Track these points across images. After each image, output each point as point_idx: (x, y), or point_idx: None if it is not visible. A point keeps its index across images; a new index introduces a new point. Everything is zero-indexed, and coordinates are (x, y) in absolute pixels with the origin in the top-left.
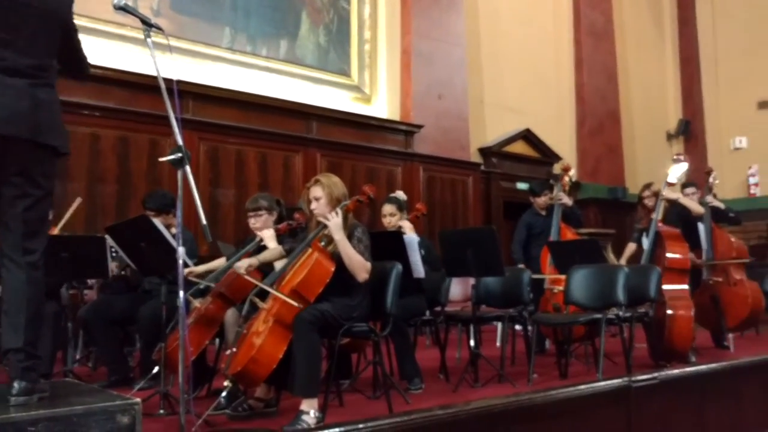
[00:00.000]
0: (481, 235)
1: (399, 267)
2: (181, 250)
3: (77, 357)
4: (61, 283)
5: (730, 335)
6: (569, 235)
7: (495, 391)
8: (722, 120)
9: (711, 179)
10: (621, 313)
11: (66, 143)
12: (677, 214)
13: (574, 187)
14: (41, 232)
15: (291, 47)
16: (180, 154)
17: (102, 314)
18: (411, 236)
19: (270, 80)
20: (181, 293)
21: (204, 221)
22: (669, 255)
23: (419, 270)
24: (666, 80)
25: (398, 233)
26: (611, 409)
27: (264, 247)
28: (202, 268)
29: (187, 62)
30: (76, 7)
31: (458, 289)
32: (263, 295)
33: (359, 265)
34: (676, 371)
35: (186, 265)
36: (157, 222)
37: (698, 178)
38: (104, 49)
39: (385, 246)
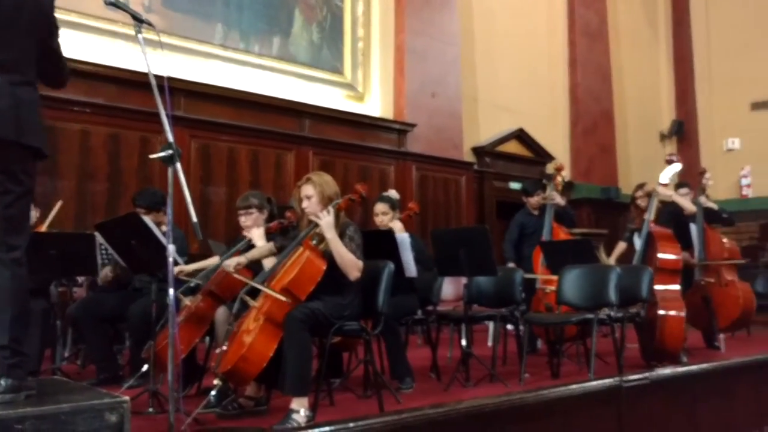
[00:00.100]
0: (473, 234)
1: (391, 266)
2: (171, 248)
3: (66, 355)
4: (50, 281)
5: (722, 336)
6: (562, 235)
7: (486, 390)
8: (715, 121)
9: (704, 180)
10: (613, 313)
11: (47, 145)
12: (670, 213)
13: (567, 187)
14: (23, 229)
15: (284, 44)
16: (170, 151)
17: (91, 312)
18: (403, 235)
19: (262, 77)
20: (171, 291)
21: (194, 219)
22: (661, 255)
23: (411, 269)
24: (660, 81)
25: (390, 232)
26: (602, 408)
27: (254, 246)
28: (192, 266)
29: (178, 59)
30: (67, 3)
31: (450, 288)
32: (254, 293)
33: (351, 264)
34: (667, 371)
35: (176, 264)
36: (148, 219)
37: (691, 179)
38: (95, 45)
39: (377, 245)
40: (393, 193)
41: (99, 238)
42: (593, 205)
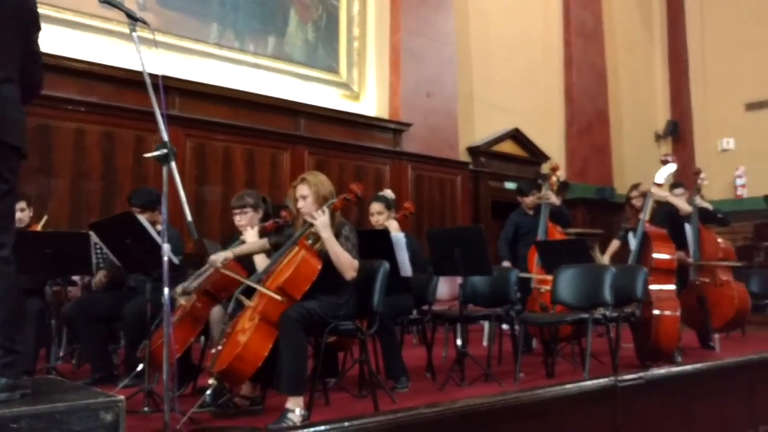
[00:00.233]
0: (468, 234)
1: (386, 265)
2: (166, 247)
3: (61, 354)
4: (45, 280)
5: (716, 336)
6: (557, 234)
7: (481, 390)
8: (710, 121)
9: (699, 180)
10: (608, 313)
11: (27, 146)
12: (665, 214)
13: (562, 187)
14: (9, 227)
15: (279, 44)
16: (165, 150)
17: (86, 311)
18: (398, 235)
19: (258, 77)
20: (166, 290)
21: (189, 218)
22: (656, 255)
23: (407, 269)
24: (655, 81)
25: (386, 232)
26: (597, 408)
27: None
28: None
29: (173, 58)
30: (62, 1)
31: (445, 287)
32: (249, 292)
33: (347, 264)
34: (662, 371)
35: (171, 262)
36: (142, 218)
37: (686, 179)
38: (89, 44)
39: (372, 244)
40: (388, 193)
41: (94, 237)
42: (588, 205)
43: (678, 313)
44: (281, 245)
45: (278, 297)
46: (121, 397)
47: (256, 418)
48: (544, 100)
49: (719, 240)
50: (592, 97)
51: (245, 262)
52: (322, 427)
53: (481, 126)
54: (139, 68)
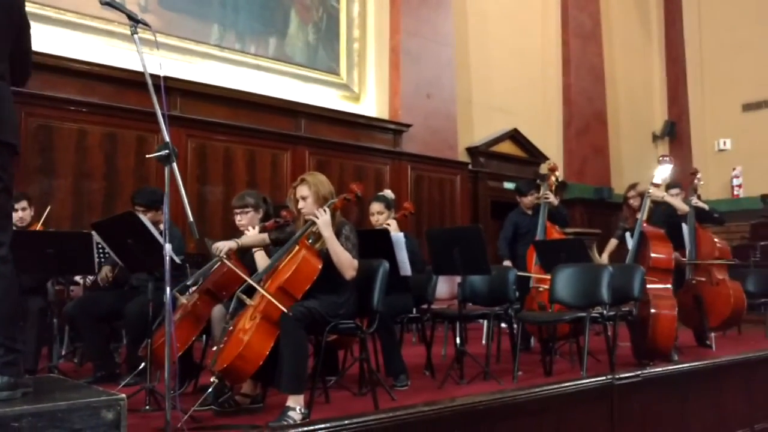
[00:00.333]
0: (467, 233)
1: (386, 265)
2: (168, 247)
3: (63, 353)
4: (47, 279)
5: (713, 334)
6: (555, 234)
7: (480, 388)
8: (707, 122)
9: (696, 180)
10: (605, 312)
11: (20, 143)
12: (662, 213)
13: (561, 187)
14: (6, 225)
15: (280, 45)
16: (167, 151)
17: (88, 310)
18: (398, 234)
19: (258, 78)
20: (168, 289)
21: (191, 218)
22: (653, 255)
23: (406, 268)
24: (652, 82)
25: (386, 231)
26: (595, 406)
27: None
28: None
29: (175, 59)
30: (63, 2)
31: (445, 287)
32: (250, 291)
33: (347, 263)
34: (658, 369)
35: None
36: (144, 218)
37: (683, 179)
38: (91, 45)
39: (372, 244)
40: (388, 193)
41: (96, 237)
42: (586, 205)
43: (675, 312)
44: (282, 241)
45: (279, 304)
46: (123, 395)
47: (257, 417)
48: (542, 100)
49: (715, 239)
50: (590, 98)
51: (246, 261)
52: (323, 426)
53: (480, 126)
54: (140, 69)
